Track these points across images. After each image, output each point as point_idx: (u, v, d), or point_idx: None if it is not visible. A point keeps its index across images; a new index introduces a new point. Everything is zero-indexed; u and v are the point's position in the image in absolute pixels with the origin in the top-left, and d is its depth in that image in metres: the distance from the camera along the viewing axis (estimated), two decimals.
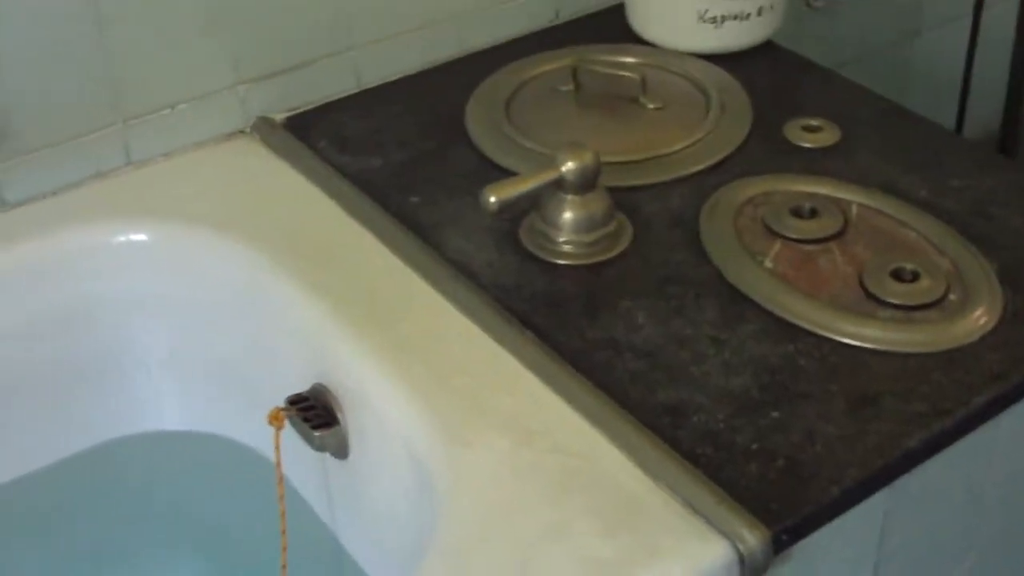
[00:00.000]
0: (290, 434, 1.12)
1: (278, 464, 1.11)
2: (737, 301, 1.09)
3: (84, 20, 1.22)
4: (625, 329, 1.07)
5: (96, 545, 1.30)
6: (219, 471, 1.30)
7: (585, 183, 1.14)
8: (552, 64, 1.40)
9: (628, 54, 1.41)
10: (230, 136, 1.35)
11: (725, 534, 0.90)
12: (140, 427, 1.29)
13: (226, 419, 1.28)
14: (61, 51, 1.23)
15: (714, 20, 1.39)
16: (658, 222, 1.19)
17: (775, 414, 0.99)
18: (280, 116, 1.36)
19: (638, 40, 1.45)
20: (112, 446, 1.28)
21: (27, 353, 1.23)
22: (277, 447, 1.11)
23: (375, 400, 1.05)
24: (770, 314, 1.07)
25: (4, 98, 1.22)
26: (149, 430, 1.29)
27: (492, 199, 1.11)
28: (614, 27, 1.47)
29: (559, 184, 1.14)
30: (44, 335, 1.23)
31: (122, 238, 1.23)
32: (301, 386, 1.14)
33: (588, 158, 1.13)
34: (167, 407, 1.29)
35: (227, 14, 1.29)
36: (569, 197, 1.14)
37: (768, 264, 1.12)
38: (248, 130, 1.35)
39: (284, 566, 1.12)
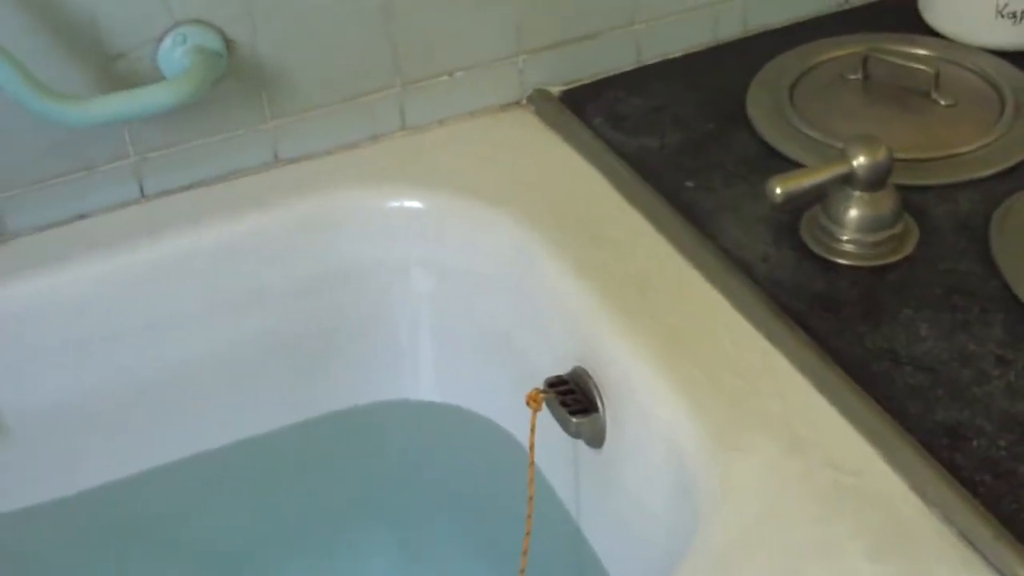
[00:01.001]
0: (543, 416, 1.11)
1: (532, 447, 1.09)
2: None
3: None
4: (906, 340, 1.02)
5: (340, 503, 1.31)
6: (468, 446, 1.30)
7: (875, 180, 1.09)
8: (841, 51, 1.35)
9: (920, 46, 1.35)
10: (505, 107, 1.34)
11: (1001, 572, 0.85)
12: (395, 394, 1.30)
13: (482, 394, 1.27)
14: (345, 10, 1.23)
15: (1013, 15, 1.32)
16: (945, 227, 1.13)
17: None
18: (557, 89, 1.34)
19: (930, 32, 1.38)
20: (367, 410, 1.30)
21: (295, 309, 1.25)
22: (532, 428, 1.09)
23: (639, 391, 1.03)
24: None
25: (287, 54, 1.23)
26: (404, 398, 1.30)
27: (778, 190, 1.07)
28: (905, 17, 1.41)
29: (847, 179, 1.09)
30: (312, 293, 1.24)
31: (395, 203, 1.23)
32: (562, 368, 1.12)
33: (881, 153, 1.08)
34: (423, 376, 1.30)
35: None
36: (857, 193, 1.10)
37: None
38: (524, 101, 1.34)
39: (525, 552, 1.09)
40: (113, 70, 1.19)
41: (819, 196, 1.12)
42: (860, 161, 1.08)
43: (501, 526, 1.20)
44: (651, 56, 1.38)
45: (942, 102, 1.26)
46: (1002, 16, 1.33)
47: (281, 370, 1.26)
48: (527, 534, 1.10)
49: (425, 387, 1.30)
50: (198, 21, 1.19)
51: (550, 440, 1.13)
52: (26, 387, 1.20)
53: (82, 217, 1.24)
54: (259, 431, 1.28)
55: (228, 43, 1.21)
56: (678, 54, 1.39)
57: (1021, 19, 1.33)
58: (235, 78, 1.23)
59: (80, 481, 1.24)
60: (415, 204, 1.22)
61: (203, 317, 1.23)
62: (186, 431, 1.26)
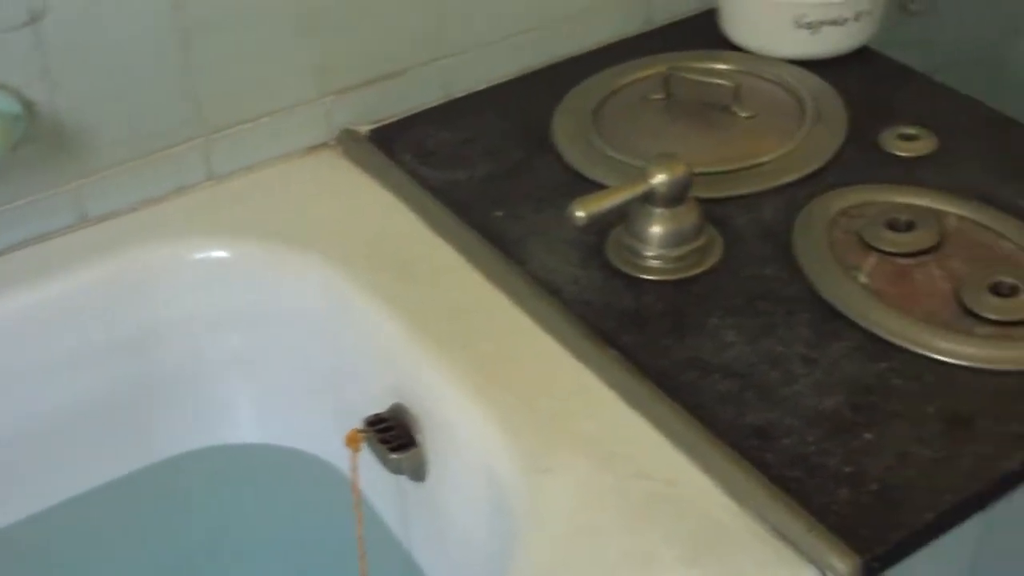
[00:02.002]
0: (369, 451, 1.10)
1: (355, 488, 1.09)
2: (830, 318, 1.05)
3: (168, 32, 1.21)
4: (713, 348, 1.03)
5: (169, 558, 1.29)
6: (297, 485, 1.29)
7: (675, 196, 1.11)
8: (642, 72, 1.36)
9: (721, 61, 1.37)
10: (313, 149, 1.33)
11: (814, 562, 0.86)
12: (223, 439, 1.28)
13: (305, 435, 1.26)
14: (144, 64, 1.22)
15: (810, 26, 1.35)
16: (749, 235, 1.15)
17: (868, 436, 0.94)
18: (365, 128, 1.34)
19: (731, 46, 1.41)
20: (188, 458, 1.28)
21: (107, 368, 1.22)
22: (354, 469, 1.09)
23: (454, 422, 1.03)
24: (864, 331, 1.03)
25: (87, 112, 1.21)
26: (231, 442, 1.29)
27: (580, 213, 1.08)
28: (707, 33, 1.43)
29: (648, 197, 1.10)
30: (124, 350, 1.22)
31: (201, 255, 1.22)
32: (380, 405, 1.12)
33: (679, 170, 1.10)
34: (245, 420, 1.28)
35: (313, 26, 1.28)
36: (658, 210, 1.11)
37: (863, 279, 1.08)
38: (332, 143, 1.33)
39: None
40: None
41: (622, 215, 1.13)
42: (659, 179, 1.09)
43: (337, 566, 1.19)
44: (458, 90, 1.38)
45: (743, 114, 1.29)
46: (800, 27, 1.36)
47: (102, 427, 1.23)
48: (362, 574, 1.10)
49: (250, 431, 1.29)
50: None
51: (378, 475, 1.12)
52: None
53: None
54: (84, 489, 1.25)
55: (27, 104, 1.19)
56: (485, 86, 1.39)
57: (819, 29, 1.36)
58: (36, 139, 1.21)
59: None
60: (221, 253, 1.21)
61: (18, 382, 1.20)
62: (7, 497, 1.22)
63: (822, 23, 1.35)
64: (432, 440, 1.07)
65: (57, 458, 1.23)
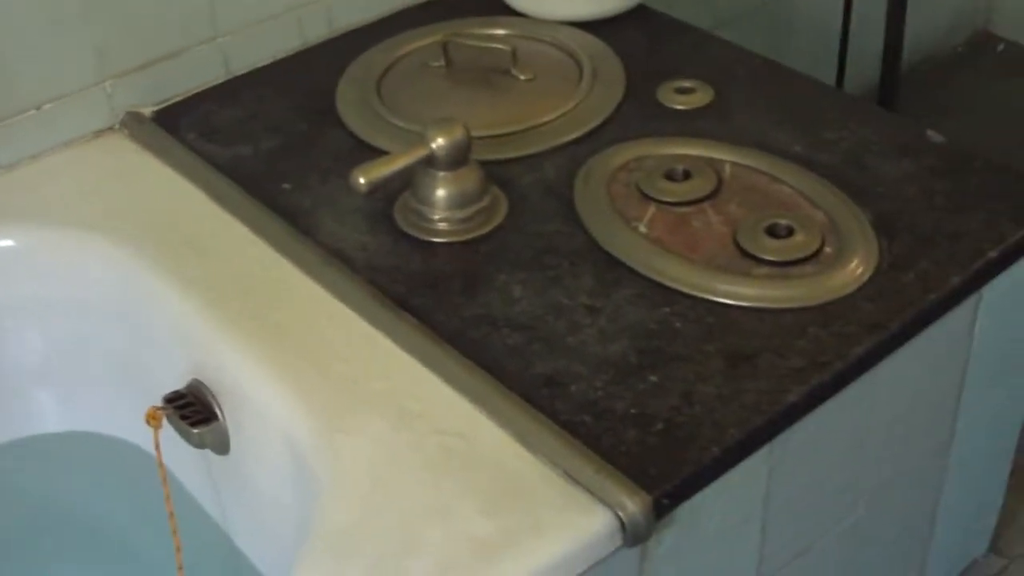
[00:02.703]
0: (173, 431, 1.11)
1: (160, 464, 1.09)
2: (612, 268, 1.09)
3: None
4: (502, 304, 1.06)
5: None
6: (106, 470, 1.28)
7: (456, 159, 1.13)
8: (423, 40, 1.38)
9: (499, 26, 1.40)
10: (99, 133, 1.32)
11: (606, 503, 0.90)
12: (21, 432, 1.27)
13: (110, 419, 1.26)
14: None
15: None
16: (533, 194, 1.18)
17: (653, 378, 0.98)
18: (149, 110, 1.33)
19: (510, 11, 1.43)
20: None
21: None
22: (157, 446, 1.09)
23: (251, 392, 1.04)
24: (645, 279, 1.07)
25: None
26: (31, 434, 1.27)
27: (361, 180, 1.10)
28: (488, 0, 1.45)
29: (430, 161, 1.12)
30: None
31: None
32: (181, 382, 1.12)
33: (458, 133, 1.12)
34: (48, 410, 1.27)
35: (89, 7, 1.27)
36: (441, 174, 1.13)
37: (643, 229, 1.11)
38: (117, 126, 1.32)
39: (180, 567, 1.09)
40: None
41: (408, 181, 1.14)
42: (439, 143, 1.11)
43: (153, 547, 1.19)
44: (240, 67, 1.38)
45: (522, 77, 1.31)
46: None
47: None
48: (177, 550, 1.09)
49: (52, 420, 1.28)
50: None
51: (185, 454, 1.13)
52: None
53: None
54: None
55: None
56: (267, 61, 1.40)
57: None
58: None
59: None
60: (8, 243, 1.20)
61: None
62: None
63: None
64: (232, 412, 1.08)
65: None
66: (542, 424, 0.94)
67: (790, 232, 1.10)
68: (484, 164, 1.16)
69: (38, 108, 1.28)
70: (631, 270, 1.08)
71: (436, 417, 0.97)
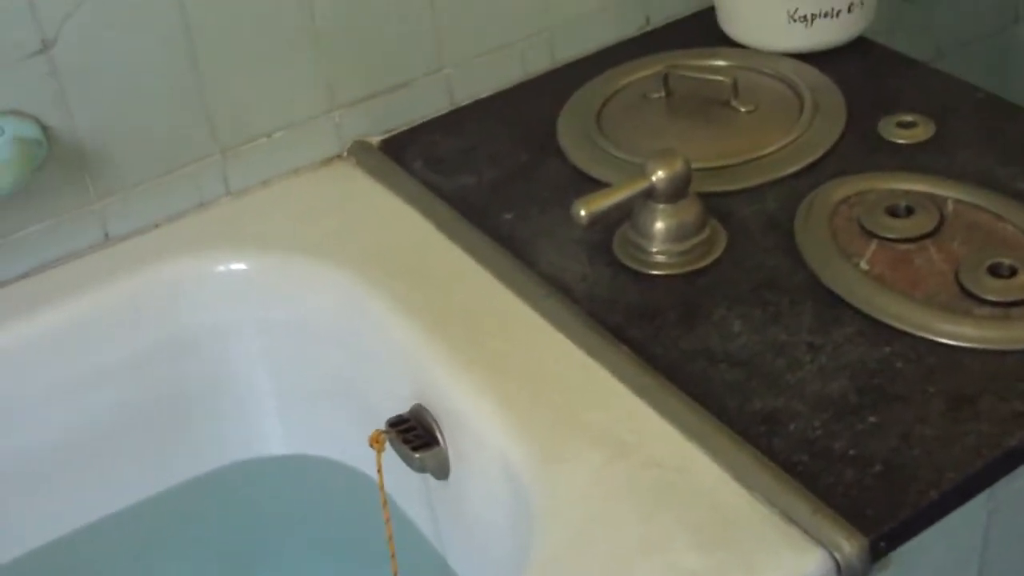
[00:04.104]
0: (394, 454, 1.14)
1: (381, 487, 1.12)
2: (833, 305, 1.08)
3: (177, 53, 1.25)
4: (720, 338, 1.06)
5: (210, 568, 1.32)
6: (329, 493, 1.32)
7: (676, 191, 1.14)
8: (643, 72, 1.39)
9: (719, 57, 1.40)
10: (327, 161, 1.36)
11: (822, 544, 0.89)
12: (247, 453, 1.32)
13: (331, 441, 1.30)
14: (155, 85, 1.26)
15: (804, 19, 1.38)
16: (753, 227, 1.18)
17: (872, 419, 0.97)
18: (376, 139, 1.37)
19: (729, 43, 1.44)
20: (220, 473, 1.31)
21: (135, 385, 1.26)
22: (379, 470, 1.12)
23: (471, 419, 1.06)
24: (866, 316, 1.06)
25: (105, 134, 1.25)
26: (256, 456, 1.32)
27: (582, 212, 1.11)
28: (705, 31, 1.46)
29: (650, 193, 1.13)
30: (151, 367, 1.26)
31: (222, 267, 1.25)
32: (402, 407, 1.15)
33: (678, 165, 1.13)
34: (273, 432, 1.32)
35: (319, 40, 1.31)
36: (660, 206, 1.14)
37: (863, 265, 1.10)
38: (344, 154, 1.37)
39: None
40: None
41: (627, 212, 1.16)
42: (659, 175, 1.12)
43: (371, 569, 1.22)
44: (464, 97, 1.42)
45: (742, 109, 1.31)
46: (794, 21, 1.39)
47: (134, 444, 1.27)
48: (394, 573, 1.12)
49: (276, 442, 1.32)
50: (13, 112, 1.21)
51: (404, 477, 1.16)
52: None
53: None
54: (120, 506, 1.29)
55: (46, 130, 1.22)
56: (490, 92, 1.43)
57: (812, 22, 1.39)
58: (57, 163, 1.24)
59: None
60: (240, 266, 1.25)
61: (49, 401, 1.24)
62: (40, 518, 1.26)
63: (815, 16, 1.38)
64: (452, 438, 1.10)
65: (90, 477, 1.27)
66: (759, 462, 0.95)
67: (1013, 272, 1.08)
68: (703, 196, 1.17)
69: (269, 136, 1.33)
70: (852, 307, 1.07)
71: (651, 450, 0.98)
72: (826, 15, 1.38)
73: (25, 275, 1.27)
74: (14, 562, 1.26)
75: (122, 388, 1.25)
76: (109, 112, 1.24)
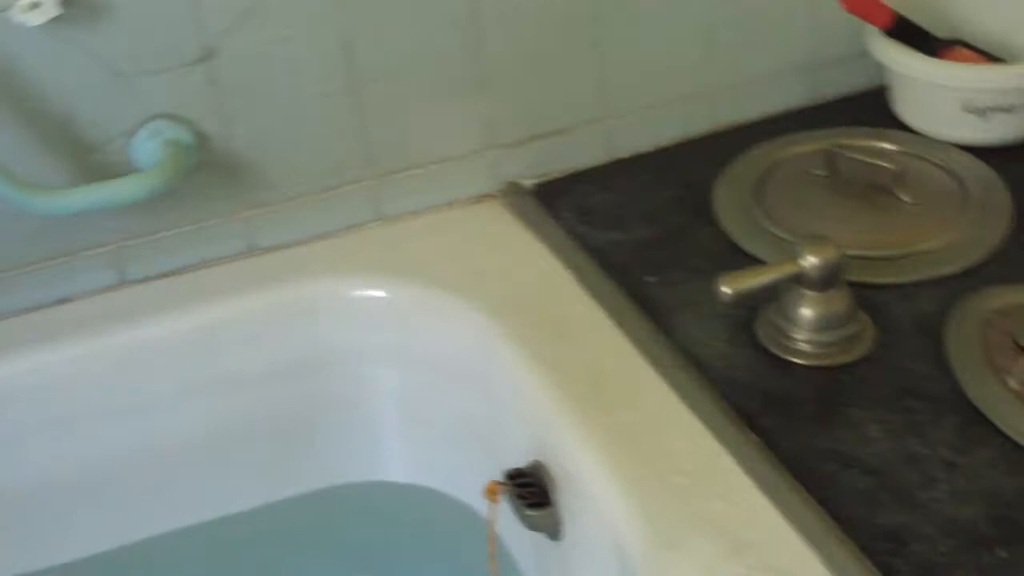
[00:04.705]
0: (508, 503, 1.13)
1: (491, 539, 1.11)
2: (976, 422, 1.04)
3: (340, 78, 1.26)
4: (855, 441, 1.03)
5: None
6: (440, 527, 1.32)
7: (826, 279, 1.11)
8: (807, 146, 1.37)
9: (887, 140, 1.37)
10: (478, 199, 1.36)
11: None
12: (367, 475, 1.33)
13: (449, 476, 1.30)
14: (316, 105, 1.26)
15: (979, 111, 1.34)
16: (902, 326, 1.14)
17: (1003, 554, 0.93)
18: (530, 182, 1.36)
19: (899, 125, 1.40)
20: (339, 491, 1.33)
21: (265, 396, 1.28)
22: (491, 521, 1.11)
23: (588, 487, 1.05)
24: (1010, 440, 1.02)
25: (260, 147, 1.26)
26: (376, 479, 1.33)
27: (726, 290, 1.09)
28: (876, 109, 1.43)
29: (799, 278, 1.11)
30: (285, 378, 1.28)
31: (360, 292, 1.26)
32: (522, 458, 1.14)
33: (831, 254, 1.10)
34: (393, 459, 1.32)
35: (484, 79, 1.31)
36: (809, 293, 1.11)
37: (1013, 384, 1.06)
38: (496, 194, 1.36)
39: None
40: (90, 161, 1.22)
41: (773, 294, 1.13)
42: (810, 261, 1.09)
43: None
44: (623, 150, 1.40)
45: (905, 199, 1.28)
46: (969, 112, 1.35)
47: (256, 452, 1.29)
48: None
49: (396, 469, 1.33)
50: (170, 116, 1.23)
51: (517, 527, 1.14)
52: (11, 463, 1.24)
53: (65, 301, 1.28)
54: (235, 510, 1.31)
55: (200, 136, 1.24)
56: (649, 148, 1.41)
57: (988, 115, 1.35)
58: (210, 169, 1.26)
59: (62, 554, 1.28)
60: (379, 293, 1.25)
61: (180, 399, 1.26)
62: (164, 508, 1.29)
63: (992, 109, 1.34)
64: (568, 501, 1.09)
65: (210, 478, 1.29)
66: None
67: None
68: (854, 286, 1.13)
69: (424, 167, 1.33)
70: (996, 428, 1.03)
71: (768, 551, 0.95)
72: (1002, 110, 1.34)
73: (167, 274, 1.29)
74: (121, 549, 1.29)
75: (251, 397, 1.27)
76: (266, 126, 1.26)
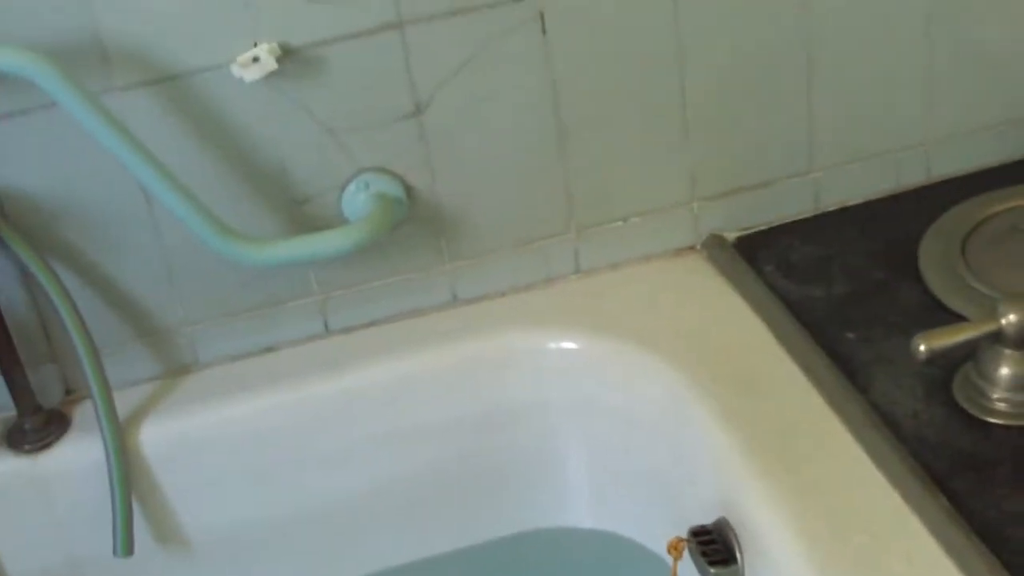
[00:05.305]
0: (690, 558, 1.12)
1: None
2: None
3: (548, 129, 1.28)
4: None
5: None
6: (624, 570, 1.32)
7: None
8: (1018, 200, 1.32)
9: None
10: (680, 252, 1.36)
11: None
12: (556, 522, 1.34)
13: (637, 525, 1.30)
14: (522, 158, 1.28)
15: None
16: None
17: None
18: (732, 234, 1.36)
19: None
20: (528, 536, 1.34)
21: (455, 446, 1.30)
22: (674, 573, 1.11)
23: (772, 546, 1.03)
24: None
25: (464, 200, 1.29)
26: (564, 526, 1.34)
27: (922, 347, 1.06)
28: None
29: (998, 337, 1.07)
30: (473, 430, 1.30)
31: (554, 344, 1.27)
32: (708, 512, 1.13)
33: None
34: (582, 505, 1.33)
35: (688, 129, 1.31)
36: (1008, 351, 1.08)
37: None
38: (698, 247, 1.36)
39: None
40: (300, 213, 1.27)
41: (971, 352, 1.10)
42: (1010, 319, 1.06)
43: None
44: (829, 203, 1.38)
45: None
46: None
47: (449, 499, 1.32)
48: None
49: (585, 515, 1.33)
50: (381, 169, 1.26)
51: None
52: (208, 508, 1.28)
53: (270, 350, 1.33)
54: (427, 554, 1.33)
55: (408, 189, 1.27)
56: (857, 201, 1.38)
57: None
58: (415, 222, 1.29)
59: None
60: (572, 345, 1.27)
61: (378, 448, 1.29)
62: (355, 556, 1.32)
63: None
64: (751, 560, 1.07)
65: (406, 523, 1.32)
66: None
67: None
68: None
69: (625, 220, 1.33)
70: None
71: None
72: None
73: (370, 324, 1.33)
74: None
75: (442, 446, 1.30)
76: (471, 180, 1.28)
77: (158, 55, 1.17)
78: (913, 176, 1.39)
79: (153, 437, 1.25)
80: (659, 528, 1.19)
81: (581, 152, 1.29)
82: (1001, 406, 1.08)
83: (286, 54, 1.19)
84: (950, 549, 0.97)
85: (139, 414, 1.26)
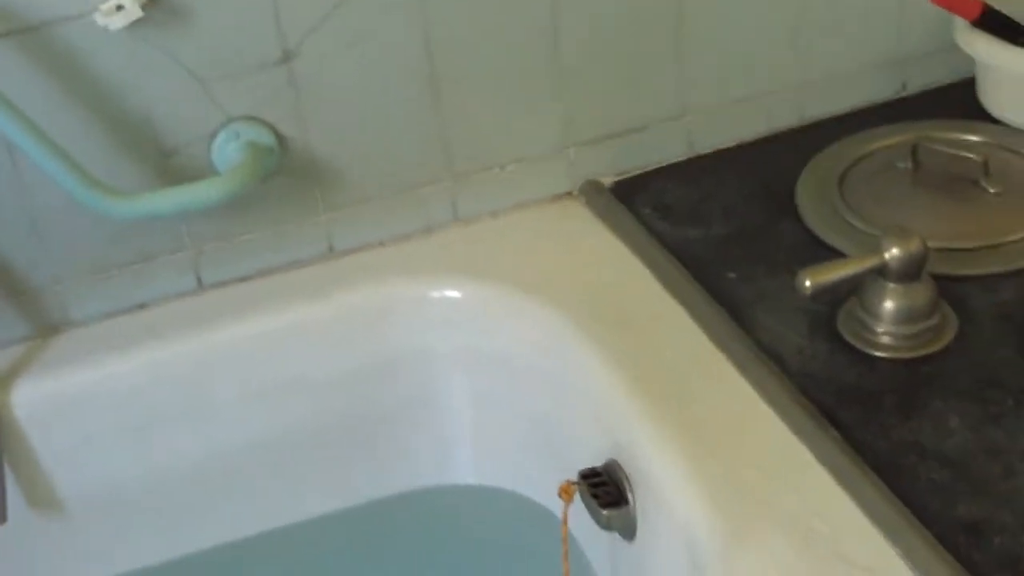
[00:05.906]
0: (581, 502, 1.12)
1: (565, 540, 1.10)
2: None
3: (419, 79, 1.26)
4: (934, 433, 1.01)
5: None
6: (512, 528, 1.31)
7: (909, 272, 1.08)
8: (892, 139, 1.34)
9: (973, 132, 1.34)
10: (557, 198, 1.35)
11: None
12: (439, 479, 1.32)
13: (523, 477, 1.29)
14: (395, 107, 1.26)
15: None
16: (985, 318, 1.12)
17: None
18: (608, 180, 1.35)
19: (987, 117, 1.37)
20: (411, 495, 1.32)
21: (335, 399, 1.28)
22: (564, 521, 1.10)
23: (663, 485, 1.03)
24: None
25: (338, 149, 1.26)
26: (448, 483, 1.32)
27: (808, 283, 1.07)
28: (963, 102, 1.39)
29: (881, 271, 1.08)
30: (353, 383, 1.27)
31: (436, 293, 1.26)
32: (596, 457, 1.13)
33: (914, 245, 1.07)
34: (465, 461, 1.31)
35: (562, 76, 1.30)
36: (891, 285, 1.09)
37: None
38: (575, 192, 1.35)
39: None
40: (168, 165, 1.23)
41: (855, 287, 1.11)
42: (893, 253, 1.07)
43: None
44: (703, 147, 1.38)
45: (991, 190, 1.25)
46: None
47: (326, 457, 1.29)
48: None
49: (468, 471, 1.32)
50: (250, 118, 1.23)
51: (590, 527, 1.13)
52: (82, 470, 1.25)
53: (143, 307, 1.29)
54: (304, 517, 1.31)
55: (280, 139, 1.24)
56: (731, 144, 1.39)
57: None
58: (289, 172, 1.26)
59: (128, 562, 1.28)
60: (454, 294, 1.25)
61: (253, 404, 1.27)
62: (234, 515, 1.29)
63: None
64: (642, 500, 1.07)
65: (276, 484, 1.30)
66: (956, 573, 0.89)
67: None
68: (937, 278, 1.11)
69: (502, 167, 1.32)
70: None
71: (843, 544, 0.93)
72: None
73: (245, 278, 1.30)
74: (183, 559, 1.29)
75: (321, 400, 1.27)
76: (344, 128, 1.26)
77: (18, 4, 1.13)
78: (786, 119, 1.40)
79: (24, 399, 1.21)
80: (546, 480, 1.18)
81: (455, 99, 1.28)
82: (886, 339, 1.09)
83: (151, 1, 1.15)
84: (840, 478, 0.98)
85: (9, 376, 1.22)
